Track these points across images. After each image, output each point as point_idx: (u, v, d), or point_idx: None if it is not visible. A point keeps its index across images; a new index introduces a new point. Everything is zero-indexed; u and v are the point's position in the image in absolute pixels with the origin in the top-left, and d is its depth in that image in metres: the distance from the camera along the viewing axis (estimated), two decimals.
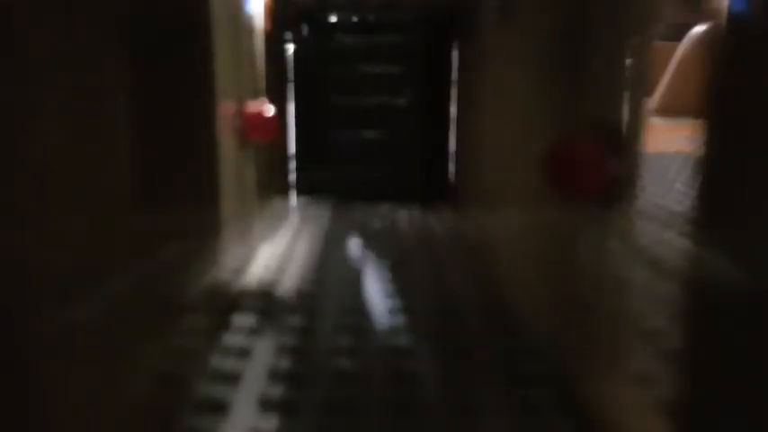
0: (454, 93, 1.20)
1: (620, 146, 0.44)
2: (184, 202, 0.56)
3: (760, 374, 0.28)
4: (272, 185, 1.01)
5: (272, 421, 0.49)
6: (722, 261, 0.31)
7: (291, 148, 1.24)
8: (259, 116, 0.77)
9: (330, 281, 0.79)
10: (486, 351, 0.60)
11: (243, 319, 0.66)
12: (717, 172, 0.31)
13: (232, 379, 0.54)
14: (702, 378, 0.33)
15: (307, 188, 1.24)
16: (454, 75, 1.20)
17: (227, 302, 0.68)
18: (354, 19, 1.22)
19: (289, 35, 1.19)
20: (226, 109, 0.67)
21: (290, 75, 1.21)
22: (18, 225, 0.30)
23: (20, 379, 0.31)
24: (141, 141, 0.44)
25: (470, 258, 0.87)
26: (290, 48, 1.21)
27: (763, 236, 0.28)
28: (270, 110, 0.79)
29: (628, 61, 0.44)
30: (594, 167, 0.45)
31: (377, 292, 0.75)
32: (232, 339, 0.62)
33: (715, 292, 0.32)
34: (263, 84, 0.86)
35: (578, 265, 0.51)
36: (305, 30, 1.21)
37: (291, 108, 1.22)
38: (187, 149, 0.57)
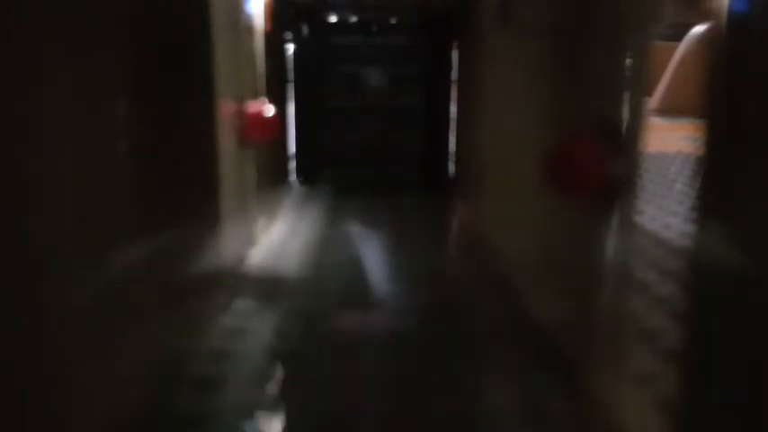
0: (454, 93, 1.20)
1: (620, 146, 0.44)
2: (184, 199, 0.56)
3: (760, 373, 0.28)
4: (272, 183, 1.01)
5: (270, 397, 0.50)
6: (722, 260, 0.31)
7: (291, 148, 1.24)
8: (259, 116, 0.77)
9: (329, 267, 0.80)
10: (484, 343, 0.61)
11: (243, 303, 0.67)
12: (717, 171, 0.31)
13: (231, 358, 0.55)
14: (702, 377, 0.33)
15: (306, 186, 1.24)
16: (454, 75, 1.20)
17: (225, 287, 0.68)
18: (354, 19, 1.22)
19: (289, 35, 1.19)
20: (226, 109, 0.67)
21: (290, 75, 1.21)
22: (25, 221, 0.30)
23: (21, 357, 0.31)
24: (141, 140, 0.44)
25: (469, 252, 0.87)
26: (290, 48, 1.21)
27: (764, 234, 0.28)
28: (270, 110, 0.79)
29: (628, 61, 0.44)
30: (594, 167, 0.45)
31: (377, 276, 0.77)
32: (231, 322, 0.62)
33: (715, 290, 0.32)
34: (263, 84, 0.86)
35: (578, 264, 0.51)
36: (305, 30, 1.21)
37: (291, 108, 1.22)
38: (187, 148, 0.57)
